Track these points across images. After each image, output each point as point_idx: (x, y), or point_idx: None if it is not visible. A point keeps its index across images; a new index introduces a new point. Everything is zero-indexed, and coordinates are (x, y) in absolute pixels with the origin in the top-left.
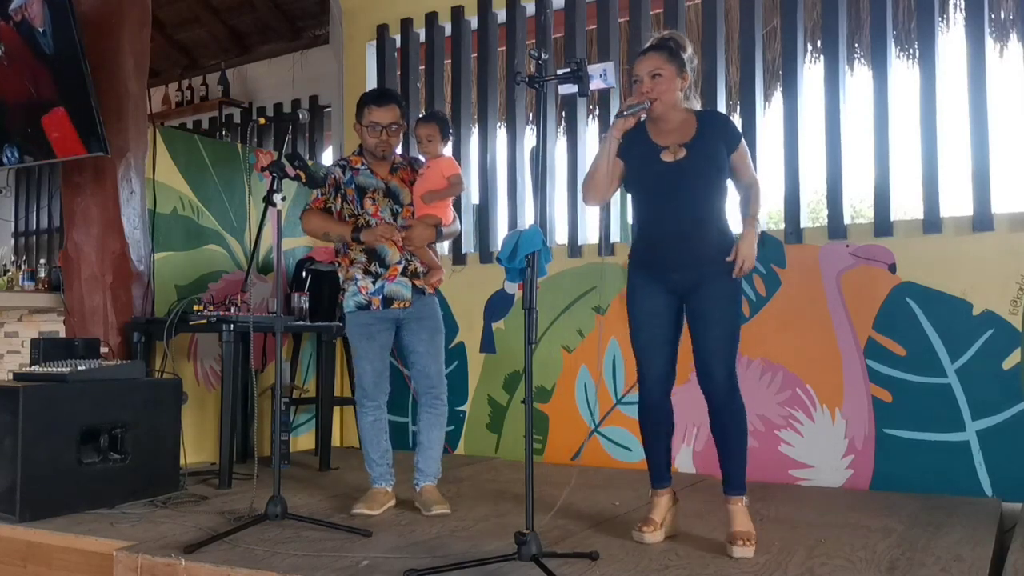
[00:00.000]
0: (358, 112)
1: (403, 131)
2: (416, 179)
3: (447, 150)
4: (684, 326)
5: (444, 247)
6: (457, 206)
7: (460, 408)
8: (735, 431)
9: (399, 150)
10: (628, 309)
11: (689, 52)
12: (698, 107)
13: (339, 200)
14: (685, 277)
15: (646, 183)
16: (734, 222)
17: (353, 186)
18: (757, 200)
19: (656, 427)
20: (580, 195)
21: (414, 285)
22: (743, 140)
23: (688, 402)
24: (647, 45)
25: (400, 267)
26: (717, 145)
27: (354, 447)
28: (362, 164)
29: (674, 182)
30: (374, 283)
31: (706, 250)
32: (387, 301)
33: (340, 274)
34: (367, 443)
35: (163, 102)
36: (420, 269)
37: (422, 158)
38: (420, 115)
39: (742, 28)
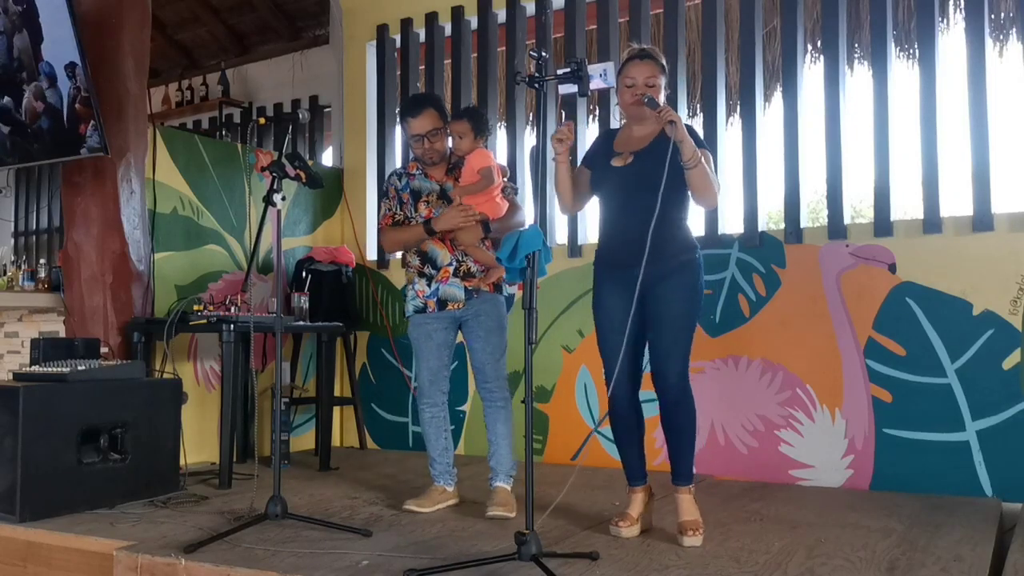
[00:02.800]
0: (400, 124)
1: (446, 132)
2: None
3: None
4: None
5: None
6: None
7: (460, 408)
8: (685, 427)
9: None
10: (593, 310)
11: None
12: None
13: (398, 207)
14: (643, 274)
15: (601, 187)
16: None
17: (409, 191)
18: (711, 177)
19: (625, 426)
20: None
21: (467, 286)
22: (704, 149)
23: None
24: (636, 53)
25: (451, 269)
26: (668, 153)
27: (354, 447)
28: (417, 169)
29: (621, 186)
30: (429, 285)
31: (661, 249)
32: (441, 303)
33: (406, 277)
34: (426, 440)
35: (163, 102)
36: (475, 269)
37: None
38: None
39: (742, 28)
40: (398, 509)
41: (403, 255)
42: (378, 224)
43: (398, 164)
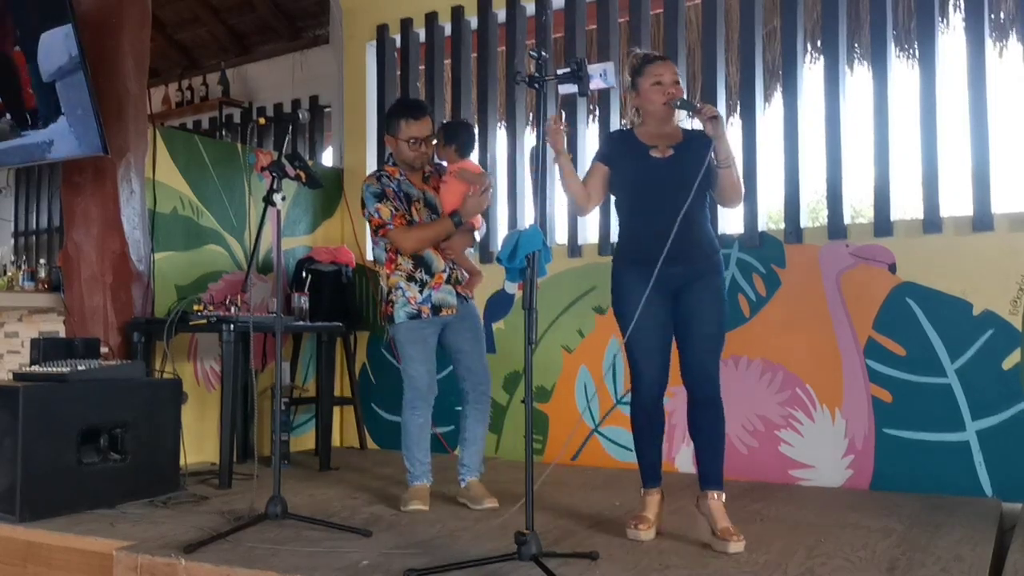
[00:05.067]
0: (391, 125)
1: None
2: (440, 186)
3: (473, 157)
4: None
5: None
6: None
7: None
8: (718, 428)
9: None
10: (618, 309)
11: None
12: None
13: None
14: (679, 272)
15: (636, 180)
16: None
17: (402, 193)
18: (740, 178)
19: (651, 428)
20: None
21: (458, 292)
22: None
23: None
24: (654, 55)
25: (445, 275)
26: (702, 152)
27: (354, 447)
28: (400, 175)
29: (663, 177)
30: (420, 291)
31: (697, 247)
32: (436, 309)
33: (382, 282)
34: (415, 444)
35: (163, 102)
36: (462, 276)
37: (444, 164)
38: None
39: (742, 28)
40: (397, 509)
41: (389, 259)
42: (387, 225)
43: None
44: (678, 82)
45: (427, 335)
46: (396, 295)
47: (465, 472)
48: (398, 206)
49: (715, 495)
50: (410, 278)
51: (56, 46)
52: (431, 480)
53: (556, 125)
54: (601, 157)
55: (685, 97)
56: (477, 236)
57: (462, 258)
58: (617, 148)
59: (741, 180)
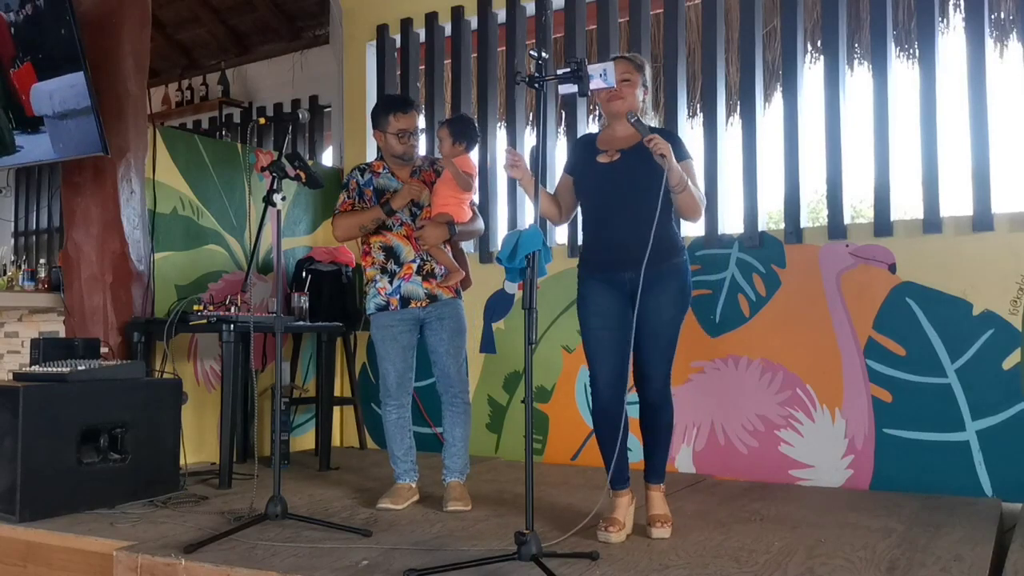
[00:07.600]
0: (378, 120)
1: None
2: (437, 180)
3: (473, 154)
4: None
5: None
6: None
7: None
8: (665, 429)
9: (422, 152)
10: (578, 312)
11: (648, 73)
12: (654, 123)
13: (357, 199)
14: (634, 276)
15: (586, 186)
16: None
17: (372, 188)
18: (697, 197)
19: (612, 430)
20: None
21: (426, 287)
22: (688, 160)
23: (689, 402)
24: (622, 54)
25: (415, 266)
26: (652, 157)
27: (354, 447)
28: (384, 168)
29: (610, 183)
30: (391, 282)
31: (652, 251)
32: (404, 301)
33: (366, 276)
34: (391, 440)
35: (163, 102)
36: (437, 270)
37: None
38: (444, 118)
39: (742, 28)
40: (386, 510)
41: (364, 252)
42: (334, 211)
43: None
44: (627, 80)
45: (397, 332)
46: (369, 288)
47: (446, 473)
48: (352, 195)
49: (653, 487)
50: (383, 270)
51: (61, 92)
52: (414, 479)
53: (513, 159)
54: (567, 168)
55: (634, 91)
56: (467, 228)
57: (439, 252)
58: (577, 155)
59: (699, 197)
